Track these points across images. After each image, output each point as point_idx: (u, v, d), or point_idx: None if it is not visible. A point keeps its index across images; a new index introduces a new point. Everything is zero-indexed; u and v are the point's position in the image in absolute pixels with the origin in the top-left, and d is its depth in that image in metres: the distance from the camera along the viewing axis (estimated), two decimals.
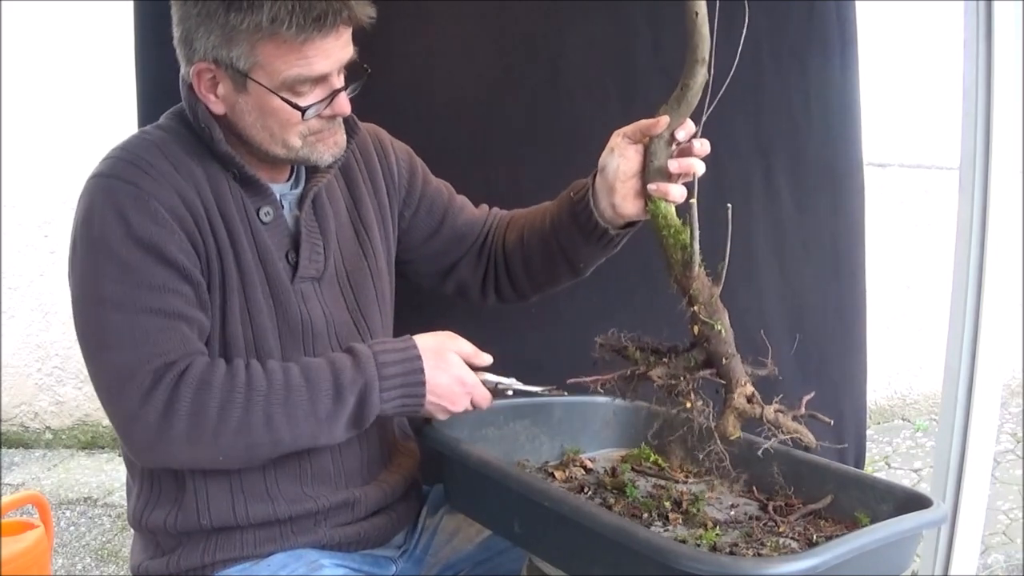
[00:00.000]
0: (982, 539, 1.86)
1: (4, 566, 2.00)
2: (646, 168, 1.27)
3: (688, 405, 1.14)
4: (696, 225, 1.16)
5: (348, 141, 1.37)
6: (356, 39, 1.30)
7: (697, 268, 1.16)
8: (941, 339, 1.83)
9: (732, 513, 1.24)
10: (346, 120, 1.36)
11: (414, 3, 1.88)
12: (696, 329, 1.16)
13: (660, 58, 1.87)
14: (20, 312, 4.10)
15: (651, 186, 1.25)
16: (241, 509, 1.31)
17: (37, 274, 4.08)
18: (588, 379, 1.21)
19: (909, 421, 4.27)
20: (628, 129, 1.29)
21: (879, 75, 3.24)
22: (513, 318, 1.88)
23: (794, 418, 1.13)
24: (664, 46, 1.86)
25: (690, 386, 1.15)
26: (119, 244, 1.20)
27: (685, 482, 1.33)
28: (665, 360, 1.18)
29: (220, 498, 1.31)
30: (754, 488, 1.29)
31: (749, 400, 1.12)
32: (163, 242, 1.21)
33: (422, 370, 1.25)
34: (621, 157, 1.29)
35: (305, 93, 1.24)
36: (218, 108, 1.28)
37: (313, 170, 1.38)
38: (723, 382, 1.15)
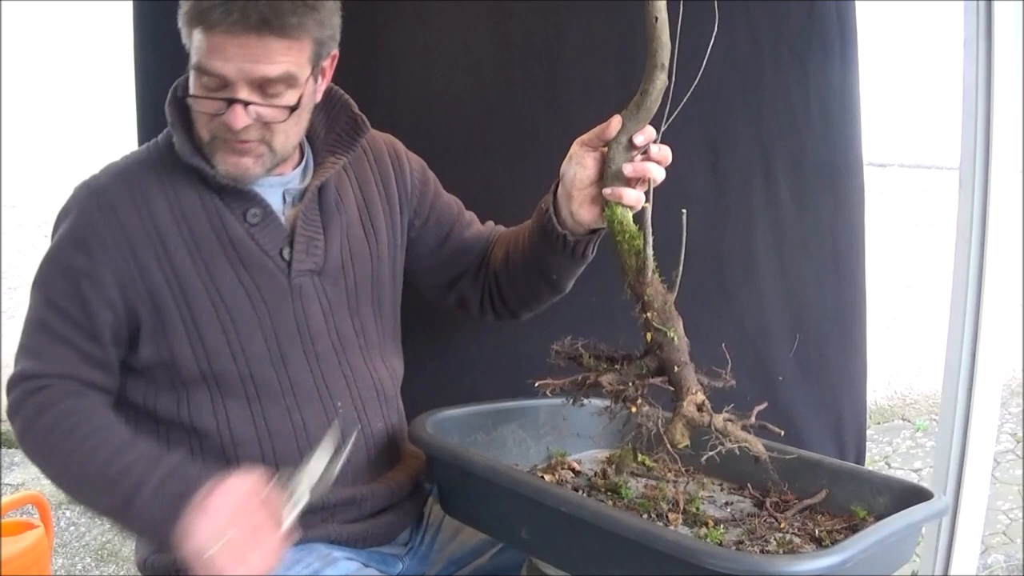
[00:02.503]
0: (982, 539, 1.86)
1: (4, 566, 2.00)
2: (604, 173, 1.26)
3: (634, 410, 1.14)
4: (649, 231, 1.16)
5: (355, 140, 1.40)
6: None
7: (650, 274, 1.16)
8: (941, 339, 1.84)
9: (728, 511, 1.24)
10: (355, 120, 1.39)
11: (414, 3, 1.88)
12: (649, 336, 1.15)
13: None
14: (20, 312, 4.10)
15: (606, 190, 1.24)
16: None
17: None
18: (539, 383, 1.21)
19: (909, 421, 4.27)
20: (586, 136, 1.28)
21: (879, 75, 3.24)
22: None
23: (743, 427, 1.12)
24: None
25: (638, 392, 1.14)
26: (49, 264, 1.31)
27: (675, 481, 1.32)
28: (617, 367, 1.18)
29: None
30: (748, 485, 1.29)
31: (699, 408, 1.12)
32: (79, 271, 1.28)
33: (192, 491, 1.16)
34: (579, 165, 1.28)
35: (204, 85, 1.23)
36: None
37: (320, 164, 1.40)
38: (672, 389, 1.14)
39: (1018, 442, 3.80)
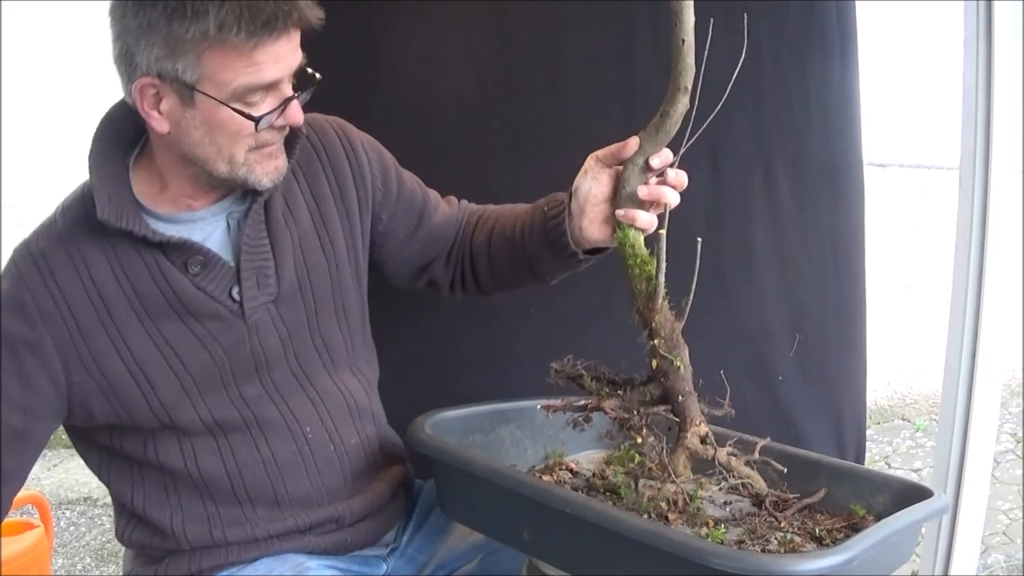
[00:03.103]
0: (982, 539, 1.86)
1: (4, 566, 2.00)
2: (618, 194, 1.23)
3: (639, 441, 1.14)
4: (663, 257, 1.14)
5: (293, 145, 1.31)
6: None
7: (661, 301, 1.14)
8: (941, 339, 1.84)
9: (728, 511, 1.24)
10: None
11: (414, 3, 1.88)
12: (654, 363, 1.14)
13: (660, 58, 1.86)
14: None
15: (619, 212, 1.21)
16: (219, 533, 1.32)
17: None
18: (543, 405, 1.21)
19: (909, 421, 4.27)
20: (601, 153, 1.26)
21: (879, 75, 3.24)
22: (505, 317, 1.88)
23: (747, 463, 1.12)
24: (664, 46, 1.86)
25: (642, 421, 1.14)
26: None
27: (673, 481, 1.32)
28: (620, 392, 1.17)
29: (196, 525, 1.32)
30: (747, 484, 1.28)
31: (702, 441, 1.12)
32: (18, 338, 1.22)
33: None
34: (594, 181, 1.26)
35: (256, 103, 1.18)
36: (161, 126, 1.20)
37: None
38: (677, 420, 1.13)
39: (1018, 442, 3.80)
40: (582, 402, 1.20)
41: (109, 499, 1.43)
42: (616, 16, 1.88)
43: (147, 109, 1.19)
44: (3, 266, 1.29)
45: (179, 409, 1.28)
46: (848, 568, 0.97)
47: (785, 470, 1.16)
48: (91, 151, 1.27)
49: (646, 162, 1.20)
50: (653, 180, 1.21)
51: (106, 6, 1.19)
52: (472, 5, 1.89)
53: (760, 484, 1.12)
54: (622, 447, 1.41)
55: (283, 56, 1.17)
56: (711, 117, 1.14)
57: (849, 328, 2.02)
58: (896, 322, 4.20)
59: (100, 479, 1.40)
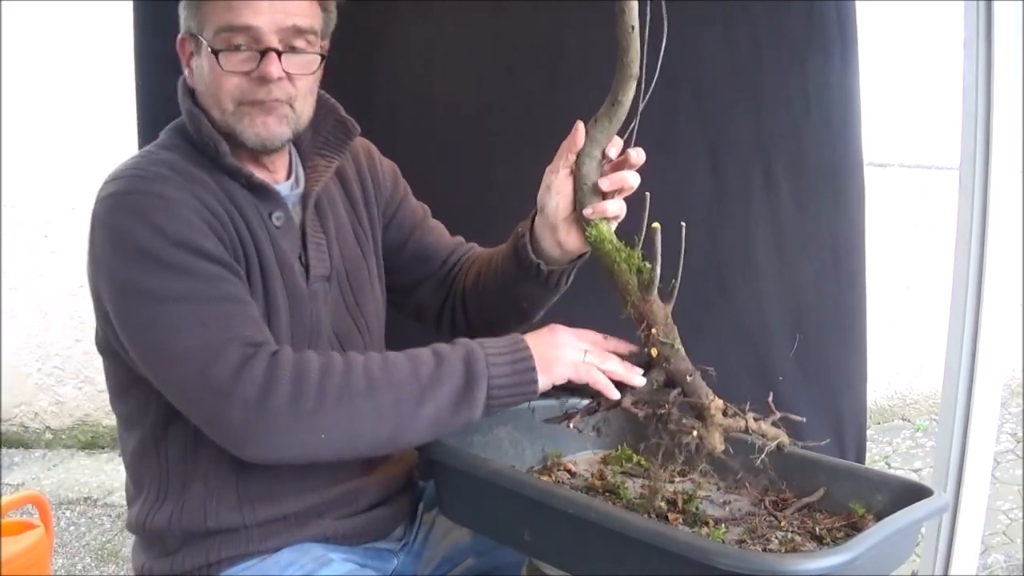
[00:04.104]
0: (982, 539, 1.86)
1: (4, 566, 2.00)
2: (578, 192, 1.23)
3: (695, 435, 1.12)
4: (659, 249, 1.13)
5: (345, 143, 1.39)
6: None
7: (655, 292, 1.14)
8: (941, 339, 1.84)
9: (727, 510, 1.24)
10: (344, 123, 1.40)
11: (414, 3, 1.88)
12: (655, 351, 1.15)
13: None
14: (20, 312, 4.10)
15: (587, 210, 1.21)
16: (248, 511, 1.31)
17: (37, 274, 4.08)
18: (569, 423, 1.20)
19: (909, 421, 4.28)
20: (555, 162, 1.26)
21: (879, 75, 3.24)
22: None
23: (772, 424, 1.13)
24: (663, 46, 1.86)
25: (678, 414, 1.13)
26: (163, 251, 1.18)
27: (672, 481, 1.32)
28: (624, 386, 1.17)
29: (225, 502, 1.31)
30: (746, 484, 1.29)
31: (725, 413, 1.12)
32: (201, 242, 1.20)
33: (523, 339, 1.21)
34: (559, 195, 1.26)
35: (237, 50, 1.24)
36: (191, 78, 1.31)
37: (311, 169, 1.39)
38: (703, 402, 1.13)
39: (1018, 442, 3.80)
40: (595, 403, 1.19)
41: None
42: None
43: (186, 63, 1.32)
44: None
45: None
46: (851, 567, 0.97)
47: (804, 420, 1.17)
48: (183, 105, 1.32)
49: (602, 153, 1.20)
50: (607, 168, 1.22)
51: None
52: (472, 5, 1.89)
53: (785, 439, 1.14)
54: (619, 449, 1.41)
55: (263, 9, 1.23)
56: (646, 99, 1.14)
57: (849, 328, 2.02)
58: (896, 322, 4.20)
59: (146, 455, 1.36)
